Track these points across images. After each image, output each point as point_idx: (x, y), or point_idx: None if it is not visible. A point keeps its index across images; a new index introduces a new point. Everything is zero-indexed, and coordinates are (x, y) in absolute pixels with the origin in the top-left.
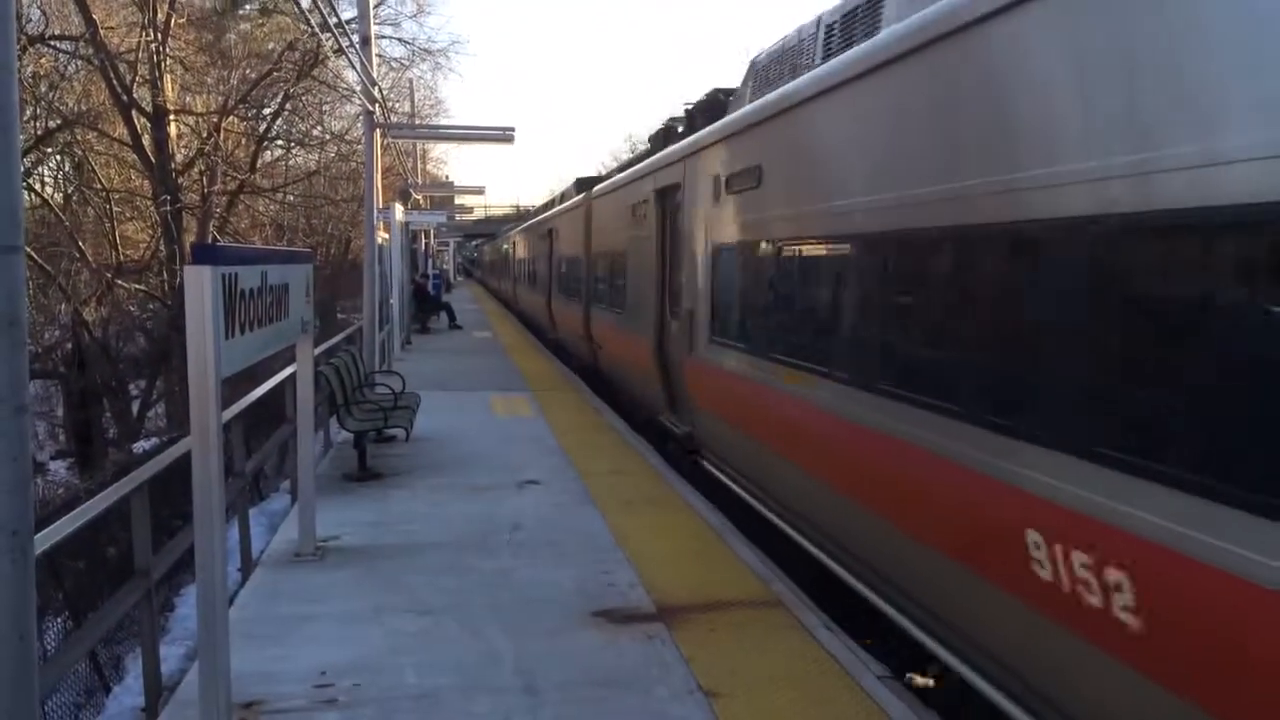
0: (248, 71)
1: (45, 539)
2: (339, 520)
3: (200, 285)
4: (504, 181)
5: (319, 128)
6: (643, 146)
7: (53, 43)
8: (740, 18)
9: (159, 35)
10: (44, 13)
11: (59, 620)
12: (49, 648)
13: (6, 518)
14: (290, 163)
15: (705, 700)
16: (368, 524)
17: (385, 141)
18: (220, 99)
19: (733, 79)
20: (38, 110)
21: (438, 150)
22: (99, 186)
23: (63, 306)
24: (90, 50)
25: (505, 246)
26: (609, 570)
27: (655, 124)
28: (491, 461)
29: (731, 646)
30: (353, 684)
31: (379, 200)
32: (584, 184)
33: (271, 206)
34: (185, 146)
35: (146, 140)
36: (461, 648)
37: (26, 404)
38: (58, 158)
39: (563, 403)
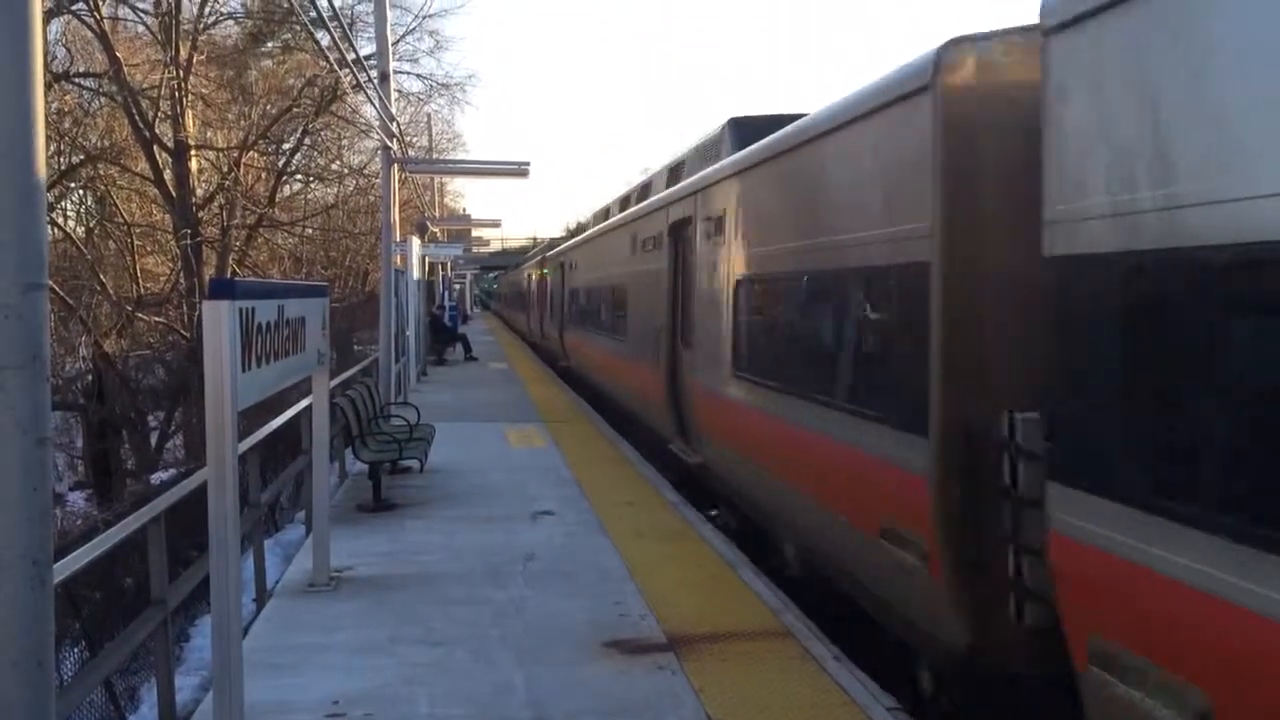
0: (268, 107)
1: (64, 568)
2: (353, 551)
3: (218, 319)
4: (521, 214)
5: (337, 162)
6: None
7: (77, 80)
8: (753, 50)
9: (180, 72)
10: (69, 50)
11: (75, 650)
12: (65, 676)
13: (27, 546)
14: (309, 197)
15: None
16: (382, 554)
17: (403, 176)
18: (240, 134)
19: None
20: (62, 146)
21: (455, 184)
22: (120, 220)
23: (83, 339)
24: (113, 87)
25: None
26: (621, 601)
27: (671, 152)
28: (505, 492)
29: (741, 677)
30: (365, 714)
31: (397, 233)
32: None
33: (290, 240)
34: (205, 181)
35: (168, 175)
36: (474, 678)
37: (48, 436)
38: (80, 192)
39: (576, 434)
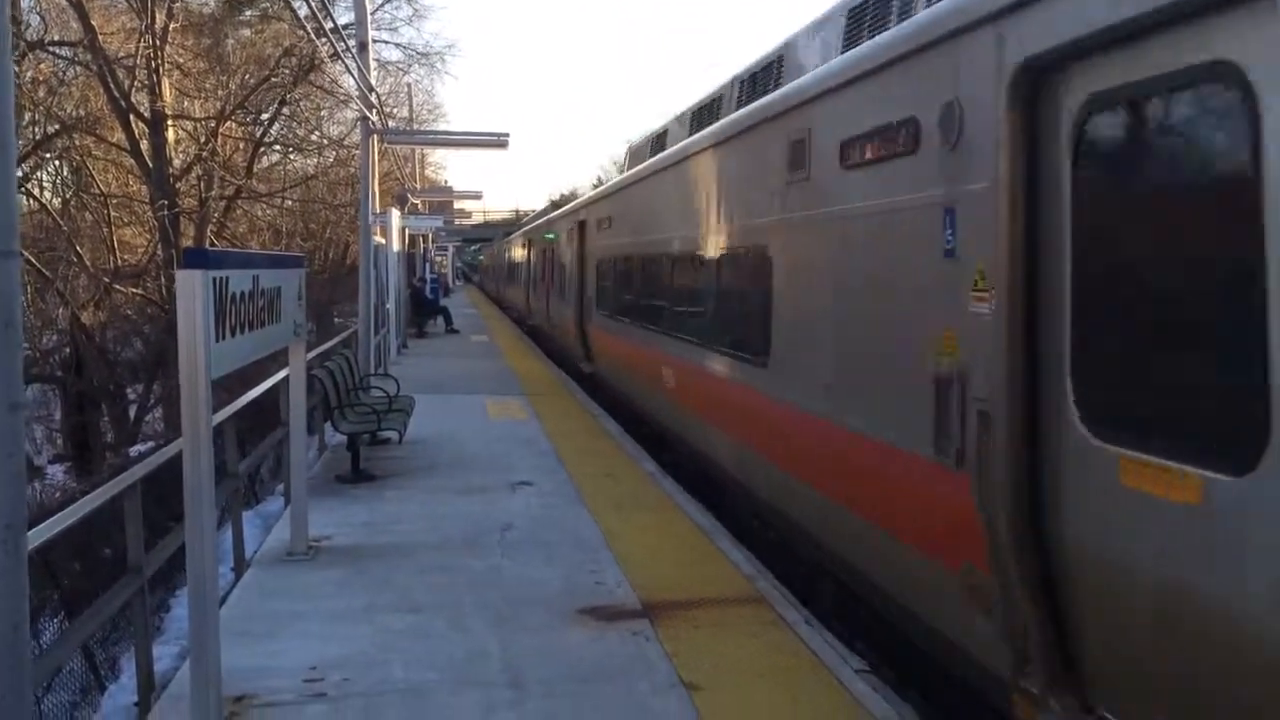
0: (246, 77)
1: (39, 534)
2: (332, 521)
3: (191, 288)
4: (503, 186)
5: (317, 133)
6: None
7: (51, 48)
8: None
9: (157, 41)
10: (43, 18)
11: (55, 621)
12: (45, 646)
13: (0, 512)
14: (288, 168)
15: (686, 693)
16: (360, 524)
17: (383, 147)
18: (218, 104)
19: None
20: (36, 116)
21: (436, 155)
22: (97, 191)
23: (61, 311)
24: (89, 56)
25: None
26: (597, 569)
27: (649, 130)
28: (484, 463)
29: (714, 642)
30: (342, 678)
31: (376, 205)
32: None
33: (269, 211)
34: (183, 151)
35: (144, 145)
36: (449, 644)
37: (20, 401)
38: (56, 163)
39: (556, 406)
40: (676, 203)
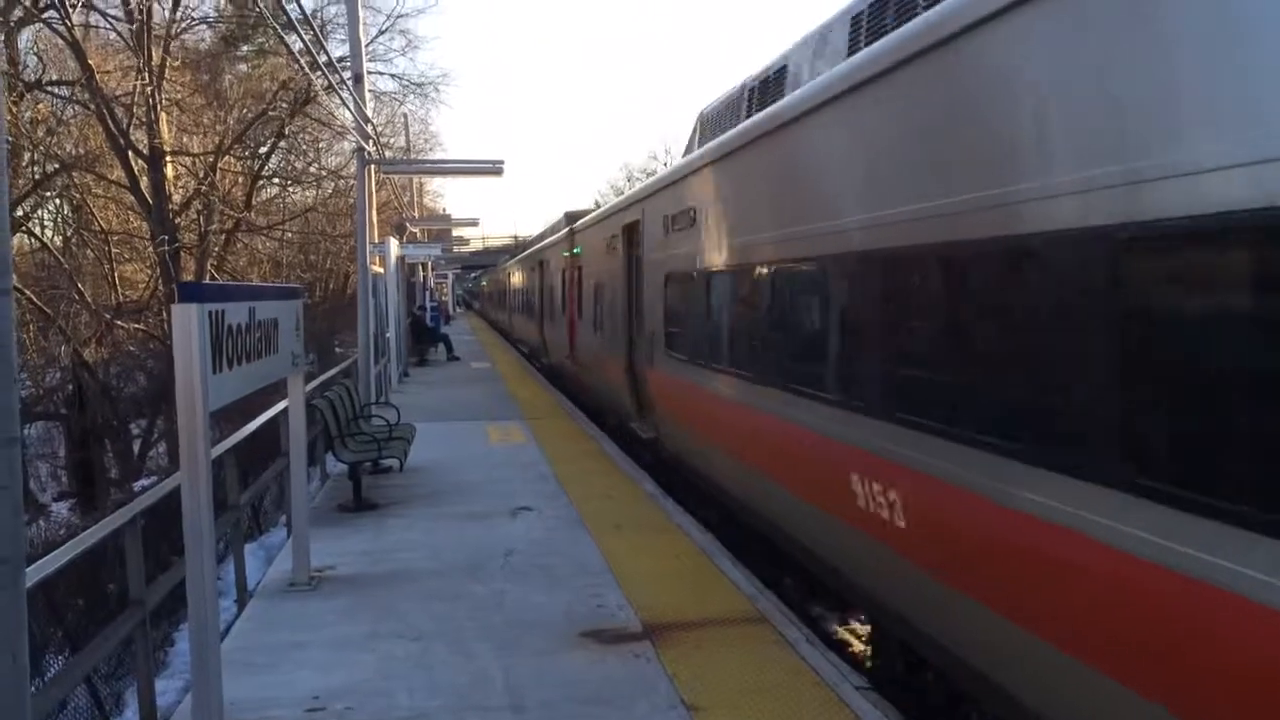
0: (243, 111)
1: (39, 570)
2: (333, 550)
3: (187, 322)
4: (501, 213)
5: (314, 165)
6: (638, 174)
7: (49, 88)
8: (729, 48)
9: (154, 79)
10: (40, 59)
11: (59, 658)
12: (48, 681)
13: None
14: (287, 200)
15: (688, 715)
16: (362, 553)
17: (380, 177)
18: (216, 139)
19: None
20: (36, 155)
21: (434, 183)
22: (97, 228)
23: (63, 348)
24: (86, 95)
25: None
26: (598, 592)
27: (650, 152)
28: (485, 489)
29: (716, 662)
30: (345, 707)
31: (375, 235)
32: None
33: (269, 244)
34: (182, 187)
35: (144, 182)
36: (452, 670)
37: (17, 435)
38: (56, 201)
39: (556, 430)
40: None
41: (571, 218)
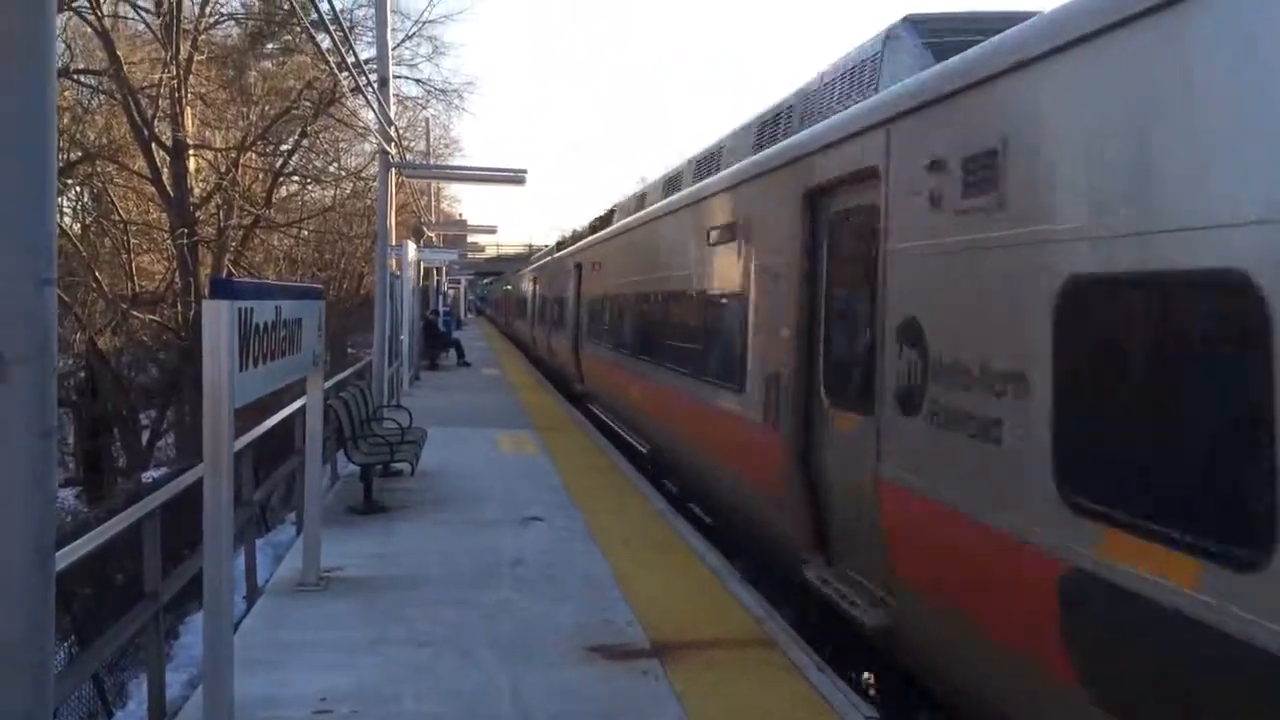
0: (267, 108)
1: (62, 558)
2: (343, 552)
3: (217, 318)
4: (517, 220)
5: (335, 164)
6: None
7: (77, 77)
8: (747, 55)
9: (180, 72)
10: (69, 48)
11: (65, 645)
12: (58, 672)
13: (31, 536)
14: (305, 198)
15: None
16: (371, 556)
17: (400, 180)
18: (239, 134)
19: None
20: (61, 142)
21: (451, 189)
22: (117, 218)
23: (78, 336)
24: (113, 85)
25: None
26: (607, 607)
27: (666, 163)
28: (495, 497)
29: (724, 684)
30: (351, 710)
31: (392, 238)
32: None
33: (286, 241)
34: (203, 180)
35: (165, 174)
36: (459, 678)
37: (52, 429)
38: (78, 189)
39: (567, 442)
40: None
41: (561, 245)
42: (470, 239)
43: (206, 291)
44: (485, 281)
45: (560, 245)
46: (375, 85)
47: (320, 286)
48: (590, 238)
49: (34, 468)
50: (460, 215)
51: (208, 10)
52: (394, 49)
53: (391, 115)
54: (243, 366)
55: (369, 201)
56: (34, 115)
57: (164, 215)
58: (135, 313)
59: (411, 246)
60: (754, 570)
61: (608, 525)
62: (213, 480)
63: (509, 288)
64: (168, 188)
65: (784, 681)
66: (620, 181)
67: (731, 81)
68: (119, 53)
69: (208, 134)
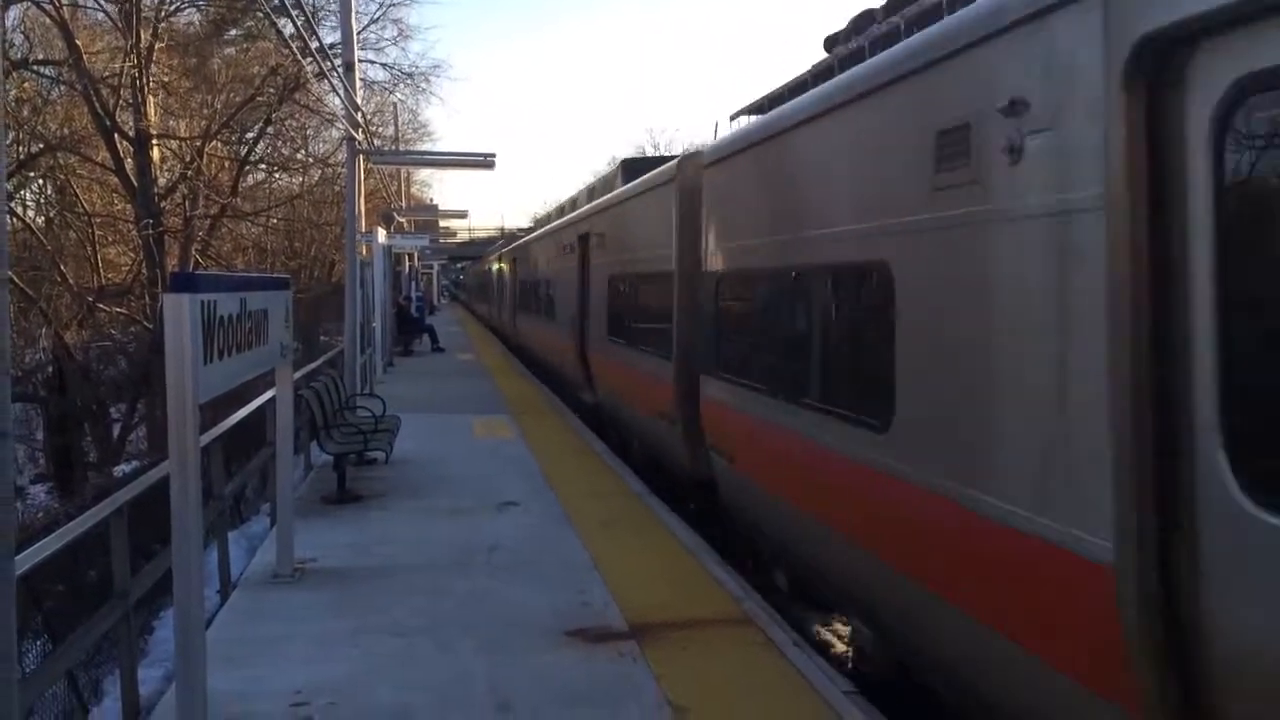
0: (231, 96)
1: (26, 560)
2: (317, 542)
3: (179, 312)
4: (488, 204)
5: (302, 152)
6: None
7: (36, 68)
8: (716, 42)
9: (141, 60)
10: (27, 38)
11: (38, 643)
12: (26, 669)
13: None
14: (273, 186)
15: (674, 716)
16: (346, 546)
17: (368, 166)
18: (203, 123)
19: (709, 98)
20: (20, 135)
21: (422, 173)
22: (81, 210)
23: (44, 330)
24: (73, 75)
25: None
26: (584, 590)
27: (635, 145)
28: (471, 484)
29: (702, 663)
30: (328, 702)
31: (362, 224)
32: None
33: (254, 230)
34: (168, 170)
35: (129, 164)
36: (436, 667)
37: (9, 430)
38: (40, 182)
39: (543, 426)
40: None
41: (538, 224)
42: (442, 224)
43: (167, 285)
44: (458, 266)
45: (540, 223)
46: (340, 70)
47: (287, 276)
48: (614, 192)
49: None
50: (431, 200)
51: None
52: (359, 33)
53: (358, 100)
54: (207, 360)
55: (337, 188)
56: None
57: (129, 206)
58: (102, 305)
59: (381, 233)
60: None
61: (583, 508)
62: (179, 478)
63: (486, 268)
64: (132, 178)
65: (762, 659)
66: (591, 163)
67: (705, 62)
68: (78, 42)
69: (171, 123)
